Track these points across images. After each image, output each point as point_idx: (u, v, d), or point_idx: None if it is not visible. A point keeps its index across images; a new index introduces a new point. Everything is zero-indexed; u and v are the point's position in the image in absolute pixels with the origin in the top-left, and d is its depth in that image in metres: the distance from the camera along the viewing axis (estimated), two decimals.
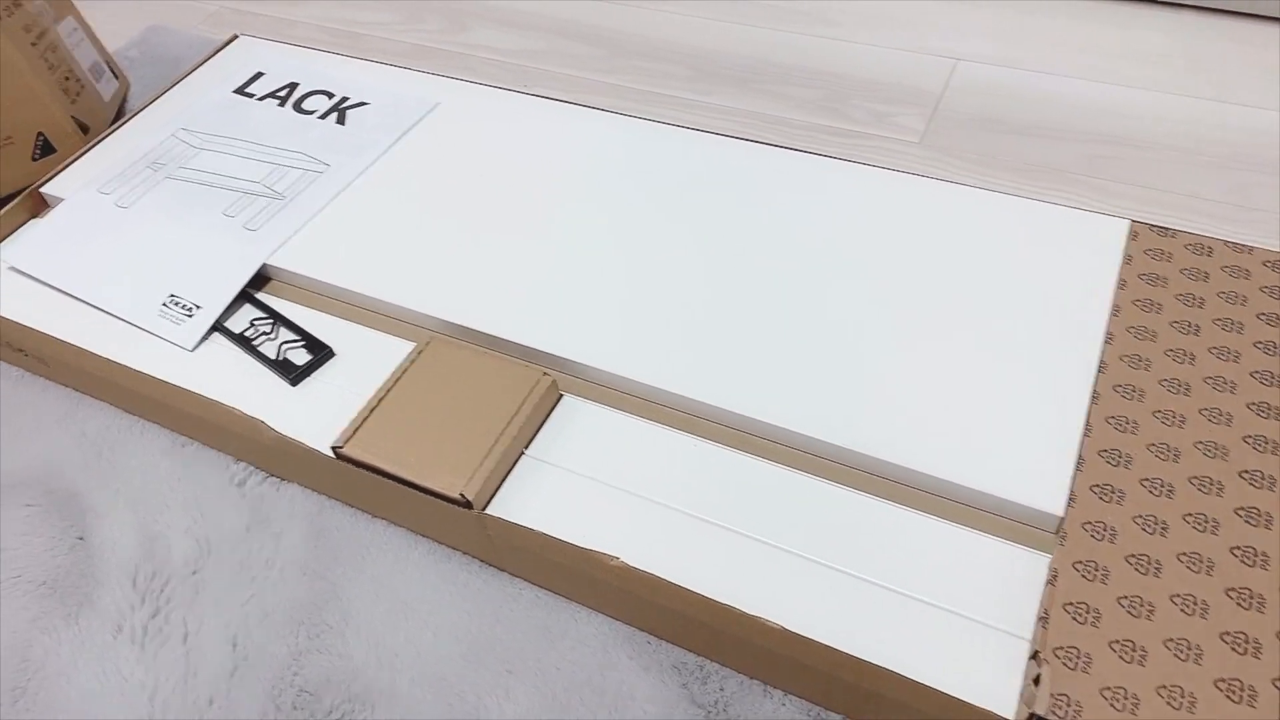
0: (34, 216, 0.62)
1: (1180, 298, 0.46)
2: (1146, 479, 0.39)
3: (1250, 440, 0.40)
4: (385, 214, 0.56)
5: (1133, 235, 0.49)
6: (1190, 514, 0.38)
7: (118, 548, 0.48)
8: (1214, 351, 0.43)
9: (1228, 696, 0.33)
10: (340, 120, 0.63)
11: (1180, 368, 0.43)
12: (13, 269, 0.57)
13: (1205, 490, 0.39)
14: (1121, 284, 0.47)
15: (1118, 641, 0.34)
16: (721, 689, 0.41)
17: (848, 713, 0.40)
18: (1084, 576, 0.36)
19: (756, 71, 0.76)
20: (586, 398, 0.47)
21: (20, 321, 0.53)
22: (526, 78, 0.78)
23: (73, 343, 0.52)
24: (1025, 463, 0.41)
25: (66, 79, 0.68)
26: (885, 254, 0.50)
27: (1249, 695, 0.33)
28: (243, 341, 0.51)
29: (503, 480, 0.44)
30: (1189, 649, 0.34)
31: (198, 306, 0.52)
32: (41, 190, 0.61)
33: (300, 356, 0.50)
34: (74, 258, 0.56)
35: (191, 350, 0.51)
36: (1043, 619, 0.36)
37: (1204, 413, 0.41)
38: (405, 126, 0.62)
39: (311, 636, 0.44)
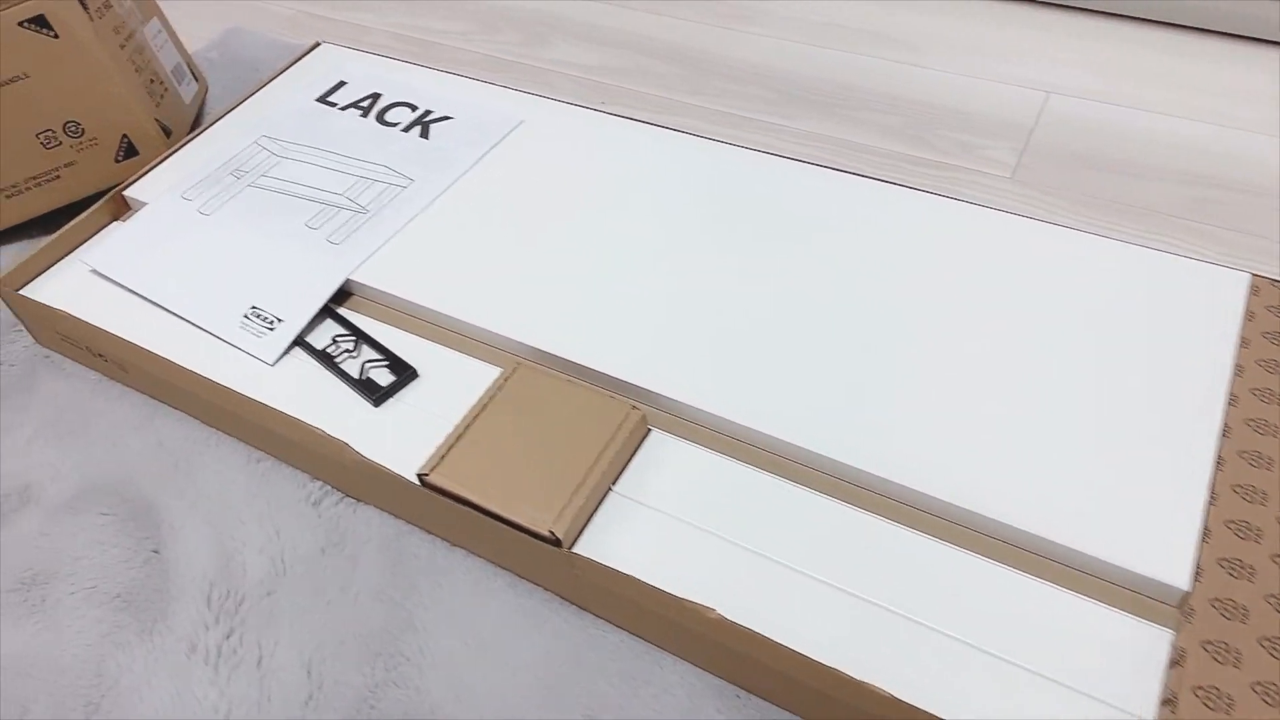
0: (116, 219, 0.62)
1: None
2: (1279, 555, 0.37)
3: None
4: (469, 233, 0.55)
5: (1254, 290, 0.47)
6: None
7: (192, 563, 0.48)
8: None
9: None
10: (424, 134, 0.62)
11: None
12: (94, 272, 0.57)
13: None
14: (1244, 342, 0.44)
15: None
16: None
17: None
18: (1215, 659, 0.34)
19: (840, 97, 0.74)
20: (675, 434, 0.45)
21: (101, 326, 0.53)
22: (606, 94, 0.77)
23: (153, 351, 0.51)
24: (1145, 529, 0.38)
25: (152, 81, 0.68)
26: (989, 297, 0.48)
27: None
28: (324, 358, 0.50)
29: (590, 517, 0.42)
30: None
31: (279, 320, 0.52)
32: (124, 193, 0.61)
33: (384, 377, 0.49)
34: (156, 264, 0.56)
35: (272, 365, 0.50)
36: (1169, 702, 0.34)
37: None
38: (490, 143, 0.61)
39: (389, 669, 0.43)
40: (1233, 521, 0.38)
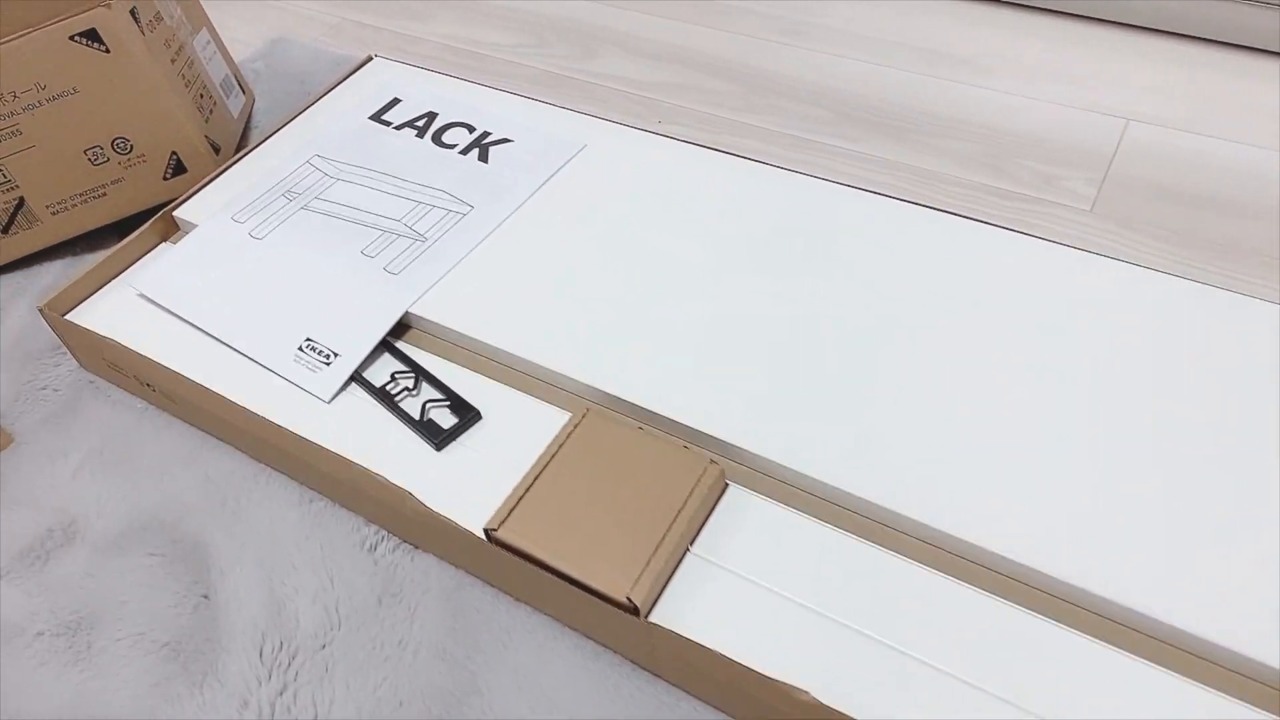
0: (164, 240, 0.60)
1: None
2: None
3: None
4: (533, 265, 0.53)
5: None
6: None
7: (243, 610, 0.46)
8: None
9: None
10: (483, 157, 0.60)
11: None
12: (142, 295, 0.55)
13: None
14: None
15: None
16: None
17: None
18: None
19: (906, 120, 0.72)
20: (755, 490, 0.43)
21: (150, 356, 0.51)
22: (660, 112, 0.75)
23: (202, 384, 0.49)
24: (1235, 602, 0.36)
25: (201, 96, 0.66)
26: (1076, 348, 0.45)
27: None
28: (383, 396, 0.48)
29: (668, 581, 0.40)
30: None
31: (335, 354, 0.50)
32: (174, 214, 0.59)
33: (446, 419, 0.47)
34: (206, 290, 0.54)
35: (328, 402, 0.48)
36: None
37: None
38: (551, 169, 0.58)
39: None
40: None
